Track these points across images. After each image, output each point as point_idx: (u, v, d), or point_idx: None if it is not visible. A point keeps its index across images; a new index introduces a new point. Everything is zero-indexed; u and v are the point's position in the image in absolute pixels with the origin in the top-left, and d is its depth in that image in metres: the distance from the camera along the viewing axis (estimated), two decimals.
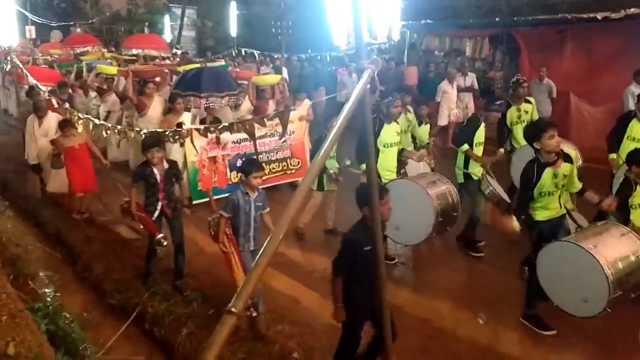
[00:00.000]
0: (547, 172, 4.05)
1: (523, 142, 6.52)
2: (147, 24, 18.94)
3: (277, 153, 7.91)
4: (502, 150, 6.35)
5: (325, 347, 4.09)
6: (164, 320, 4.44)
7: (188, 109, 7.57)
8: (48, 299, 4.92)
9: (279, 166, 7.92)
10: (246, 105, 8.42)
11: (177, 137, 5.36)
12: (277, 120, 6.58)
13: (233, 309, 1.64)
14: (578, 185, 4.31)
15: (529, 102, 6.76)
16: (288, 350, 4.07)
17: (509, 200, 5.61)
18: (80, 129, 6.53)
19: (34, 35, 21.98)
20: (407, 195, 5.14)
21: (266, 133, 7.49)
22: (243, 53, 18.76)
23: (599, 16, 9.59)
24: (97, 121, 5.98)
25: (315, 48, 17.91)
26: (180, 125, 6.60)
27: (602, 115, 9.59)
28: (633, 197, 4.47)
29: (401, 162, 5.92)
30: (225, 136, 6.80)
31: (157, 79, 9.26)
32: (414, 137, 6.57)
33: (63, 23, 23.31)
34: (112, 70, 9.81)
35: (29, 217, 7.24)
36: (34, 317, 3.64)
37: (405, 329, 3.57)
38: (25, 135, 7.46)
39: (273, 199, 4.49)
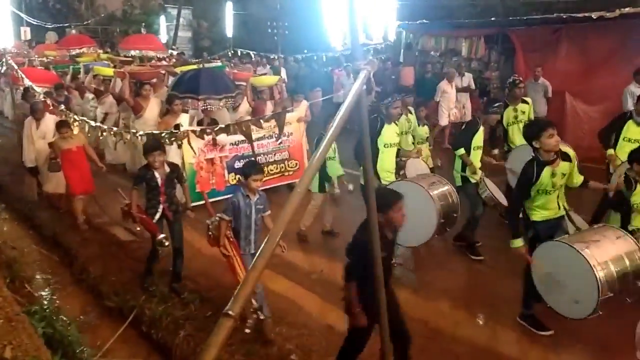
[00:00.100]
0: (546, 171, 4.05)
1: (519, 142, 6.56)
2: (143, 24, 18.86)
3: (275, 155, 7.89)
4: (496, 150, 6.37)
5: (324, 349, 4.09)
6: (162, 323, 4.43)
7: (186, 111, 7.55)
8: (45, 301, 4.92)
9: (276, 168, 7.91)
10: (244, 106, 8.41)
11: (173, 139, 5.35)
12: (275, 122, 6.57)
13: (230, 312, 1.64)
14: (580, 178, 4.31)
15: (525, 102, 6.76)
16: (286, 352, 4.06)
17: (506, 204, 5.61)
18: (76, 130, 6.51)
19: (29, 37, 21.91)
20: (409, 197, 5.12)
21: (264, 135, 7.47)
22: (239, 54, 18.73)
23: (594, 15, 9.61)
24: (93, 123, 5.96)
25: (311, 49, 17.91)
26: (177, 126, 6.59)
27: (598, 115, 9.60)
28: (633, 195, 4.48)
29: (399, 165, 5.92)
30: (223, 138, 6.78)
31: (154, 80, 9.25)
32: (413, 138, 6.58)
33: (58, 25, 23.22)
34: (109, 71, 9.79)
35: (25, 220, 7.22)
36: (30, 320, 3.64)
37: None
38: (23, 138, 7.41)
39: (271, 201, 4.48)
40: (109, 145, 9.02)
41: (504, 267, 5.36)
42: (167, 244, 4.75)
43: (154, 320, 4.49)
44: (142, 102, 7.86)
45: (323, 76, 14.38)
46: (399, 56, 14.78)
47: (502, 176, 6.35)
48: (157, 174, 4.79)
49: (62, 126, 6.40)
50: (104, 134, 6.04)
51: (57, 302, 5.06)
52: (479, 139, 5.66)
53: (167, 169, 4.88)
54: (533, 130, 4.12)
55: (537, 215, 4.18)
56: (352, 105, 2.45)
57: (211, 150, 7.15)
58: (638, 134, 5.54)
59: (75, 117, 6.34)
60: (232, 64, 15.40)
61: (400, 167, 6.01)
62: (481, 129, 5.69)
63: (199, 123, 7.46)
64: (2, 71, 10.22)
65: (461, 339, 4.29)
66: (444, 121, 10.53)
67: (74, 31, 22.06)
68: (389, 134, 5.50)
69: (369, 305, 3.27)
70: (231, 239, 4.24)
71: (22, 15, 21.36)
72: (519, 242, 4.09)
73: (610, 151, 5.73)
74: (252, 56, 17.90)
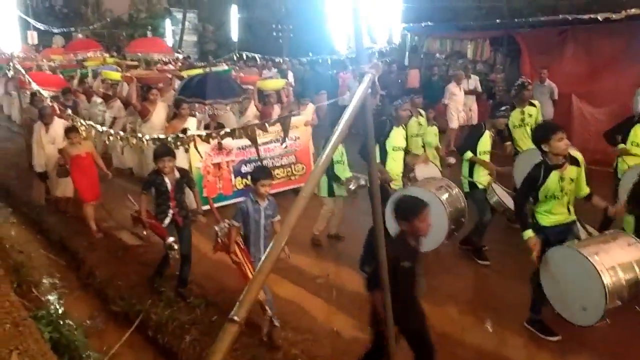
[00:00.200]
0: (554, 175, 4.02)
1: (525, 146, 6.52)
2: (149, 28, 18.94)
3: (281, 159, 7.88)
4: (509, 143, 6.31)
5: (329, 355, 4.08)
6: (168, 327, 4.43)
7: (193, 115, 7.57)
8: (52, 306, 4.95)
9: (283, 172, 7.89)
10: (252, 110, 8.43)
11: (179, 143, 5.36)
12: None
13: (235, 317, 1.64)
14: (586, 190, 4.26)
15: (533, 105, 6.71)
16: (291, 357, 4.05)
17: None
18: (83, 134, 6.53)
19: (36, 41, 22.06)
20: None
21: (271, 139, 7.46)
22: (244, 57, 18.76)
23: (600, 17, 9.57)
24: (99, 127, 5.98)
25: (316, 51, 17.92)
26: (185, 131, 6.60)
27: (605, 117, 9.55)
28: None
29: (407, 168, 5.87)
30: (230, 142, 6.79)
31: (161, 84, 9.28)
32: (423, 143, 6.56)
33: (65, 29, 23.37)
34: (117, 75, 9.83)
35: (32, 224, 7.26)
36: (37, 325, 3.65)
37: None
38: (32, 143, 7.43)
39: (279, 205, 4.44)
40: (116, 149, 9.06)
41: (511, 271, 5.34)
42: (176, 247, 4.70)
43: (160, 324, 4.49)
44: (149, 107, 7.88)
45: (328, 79, 14.39)
46: (404, 59, 14.78)
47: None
48: (167, 180, 4.78)
49: (70, 132, 6.41)
50: (111, 138, 6.06)
51: (64, 306, 5.08)
52: (484, 143, 5.58)
53: (177, 175, 4.86)
54: (542, 133, 4.08)
55: (547, 220, 4.13)
56: (357, 109, 2.45)
57: (218, 155, 7.18)
58: None
59: (82, 121, 6.36)
60: (237, 67, 15.45)
61: (408, 170, 5.98)
62: (487, 133, 5.60)
63: (206, 127, 7.48)
64: (10, 75, 10.30)
65: (468, 344, 4.26)
66: (454, 124, 10.50)
67: (80, 35, 22.19)
68: (397, 136, 5.48)
69: (393, 315, 3.17)
70: (241, 246, 4.21)
71: (29, 19, 21.50)
72: (528, 233, 4.05)
73: (622, 145, 5.60)
74: (258, 59, 17.93)
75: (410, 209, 3.19)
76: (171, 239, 4.71)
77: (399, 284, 3.13)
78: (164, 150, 4.83)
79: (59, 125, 7.22)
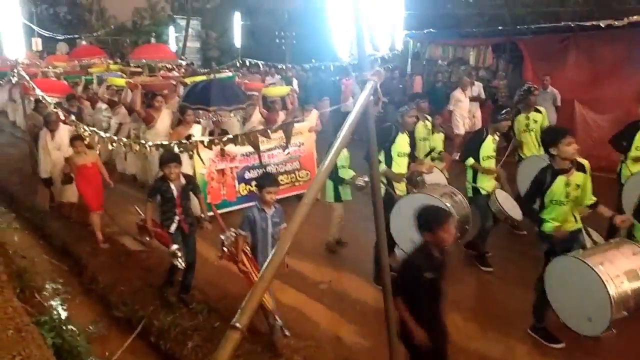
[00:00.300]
0: (560, 180, 4.01)
1: (529, 153, 6.51)
2: (153, 34, 19.08)
3: (285, 165, 7.88)
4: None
5: None
6: (170, 333, 4.42)
7: (198, 122, 7.59)
8: (54, 311, 4.95)
9: (287, 178, 7.88)
10: (256, 116, 8.43)
11: (182, 149, 5.37)
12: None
13: (237, 324, 1.64)
14: (592, 198, 4.25)
15: (539, 111, 6.71)
16: None
17: (517, 218, 5.56)
18: (87, 140, 6.54)
19: (40, 48, 22.21)
20: None
21: (275, 145, 7.46)
22: (247, 63, 18.85)
23: (603, 24, 9.60)
24: (103, 134, 6.00)
25: (318, 58, 18.01)
26: (189, 137, 6.61)
27: (607, 123, 9.55)
28: None
29: (414, 174, 5.86)
30: (234, 149, 6.79)
31: (165, 91, 9.32)
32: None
33: (69, 36, 23.54)
34: (122, 82, 9.87)
35: (35, 229, 7.27)
36: (40, 331, 3.65)
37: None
38: (39, 149, 7.45)
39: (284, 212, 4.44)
40: (120, 155, 9.09)
41: (514, 278, 5.32)
42: (180, 254, 4.67)
43: (162, 330, 4.48)
44: (154, 113, 7.90)
45: (331, 86, 14.43)
46: (407, 65, 14.81)
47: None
48: (172, 186, 4.75)
49: (75, 140, 6.43)
50: (114, 144, 6.07)
51: (67, 312, 5.09)
52: (487, 148, 5.56)
53: (183, 181, 4.85)
54: (551, 137, 4.08)
55: (552, 228, 4.12)
56: (360, 115, 2.47)
57: (222, 161, 7.19)
58: None
59: (86, 127, 6.38)
60: (240, 74, 15.50)
61: (415, 176, 5.96)
62: (489, 138, 5.57)
63: (210, 134, 7.49)
64: (14, 82, 10.35)
65: (471, 350, 4.24)
66: (460, 130, 10.51)
67: (84, 42, 22.35)
68: (403, 143, 5.49)
69: (425, 328, 3.10)
70: (249, 255, 4.18)
71: (34, 26, 21.65)
72: (546, 225, 4.08)
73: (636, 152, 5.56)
74: (260, 66, 18.01)
75: (434, 219, 3.11)
76: (175, 247, 4.68)
77: (421, 296, 3.08)
78: (170, 157, 4.78)
79: (64, 132, 7.26)
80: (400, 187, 5.50)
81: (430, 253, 3.12)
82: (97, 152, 6.97)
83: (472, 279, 5.62)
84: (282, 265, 2.26)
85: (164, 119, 7.93)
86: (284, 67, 16.22)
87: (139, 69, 13.22)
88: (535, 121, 6.60)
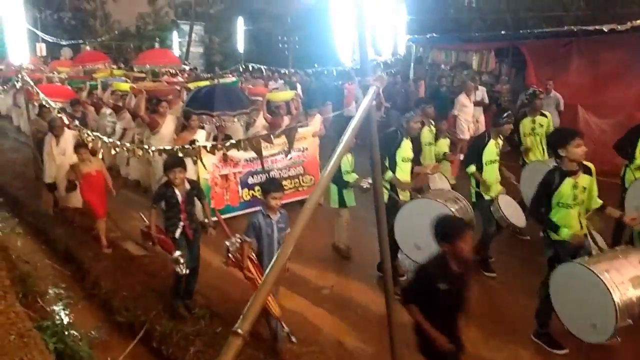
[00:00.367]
0: (567, 182, 4.00)
1: (534, 156, 6.49)
2: (157, 39, 19.15)
3: (289, 170, 7.86)
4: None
5: None
6: (172, 339, 4.41)
7: (203, 127, 7.59)
8: (57, 316, 4.94)
9: (291, 183, 7.86)
10: (260, 121, 8.43)
11: (184, 154, 5.38)
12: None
13: (239, 330, 1.64)
14: (598, 201, 4.24)
15: (544, 115, 6.70)
16: None
17: (520, 225, 5.54)
18: (90, 145, 6.55)
19: (44, 53, 22.31)
20: (429, 215, 5.08)
21: (278, 151, 7.44)
22: (250, 68, 18.91)
23: (605, 28, 9.59)
24: (106, 139, 6.01)
25: (321, 63, 18.05)
26: (193, 142, 6.62)
27: (610, 128, 9.54)
28: None
29: (418, 179, 5.85)
30: (237, 154, 6.79)
31: (170, 97, 9.33)
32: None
33: (73, 41, 23.66)
34: (127, 87, 9.89)
35: (38, 234, 7.28)
36: (42, 336, 3.65)
37: (414, 347, 3.52)
38: (44, 154, 7.45)
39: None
40: (123, 160, 9.10)
41: (517, 283, 5.31)
42: (182, 261, 4.62)
43: (164, 336, 4.47)
44: (158, 119, 7.91)
45: (334, 90, 14.45)
46: (409, 70, 14.81)
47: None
48: (177, 191, 4.73)
49: (79, 147, 6.44)
50: (117, 149, 6.08)
51: (69, 317, 5.08)
52: (490, 152, 5.54)
53: (188, 186, 4.83)
54: (561, 138, 4.08)
55: (568, 235, 4.07)
56: (362, 120, 2.47)
57: (225, 166, 7.19)
58: None
59: (89, 132, 6.39)
60: (243, 79, 15.55)
61: (419, 182, 5.95)
62: (491, 142, 5.56)
63: (214, 139, 7.49)
64: (18, 87, 10.39)
65: (474, 356, 4.21)
66: (465, 135, 10.49)
67: (88, 47, 22.46)
68: (407, 148, 5.49)
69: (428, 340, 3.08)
70: (255, 261, 4.14)
71: (38, 32, 21.78)
72: (562, 231, 4.02)
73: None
74: (263, 70, 18.07)
75: (451, 230, 3.06)
76: (177, 253, 4.64)
77: (434, 306, 3.04)
78: (174, 162, 4.76)
79: (69, 137, 7.26)
80: (403, 193, 5.49)
81: (446, 264, 3.06)
82: (101, 157, 6.98)
83: (476, 284, 5.58)
84: (282, 269, 2.25)
85: (168, 125, 7.94)
86: (287, 71, 16.26)
87: (143, 74, 13.27)
88: (541, 125, 6.59)
